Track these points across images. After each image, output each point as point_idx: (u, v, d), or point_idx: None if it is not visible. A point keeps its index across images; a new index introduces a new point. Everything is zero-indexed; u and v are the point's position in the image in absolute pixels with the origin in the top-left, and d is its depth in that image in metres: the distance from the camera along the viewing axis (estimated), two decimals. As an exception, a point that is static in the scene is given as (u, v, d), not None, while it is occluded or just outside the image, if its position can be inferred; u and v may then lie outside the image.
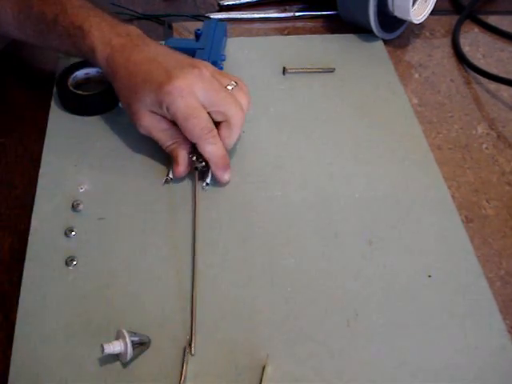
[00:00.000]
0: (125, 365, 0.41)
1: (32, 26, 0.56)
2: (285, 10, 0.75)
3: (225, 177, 0.52)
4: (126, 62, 0.52)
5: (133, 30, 0.55)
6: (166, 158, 0.54)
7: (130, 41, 0.53)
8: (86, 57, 0.55)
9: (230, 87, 0.52)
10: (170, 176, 0.53)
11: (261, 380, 0.40)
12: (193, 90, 0.49)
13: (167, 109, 0.49)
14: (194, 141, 0.51)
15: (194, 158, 0.52)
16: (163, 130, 0.52)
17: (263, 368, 0.41)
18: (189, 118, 0.49)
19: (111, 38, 0.53)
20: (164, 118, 0.51)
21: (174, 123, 0.51)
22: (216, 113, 0.51)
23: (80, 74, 0.62)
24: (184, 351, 0.41)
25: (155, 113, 0.51)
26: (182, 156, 0.52)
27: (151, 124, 0.52)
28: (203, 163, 0.52)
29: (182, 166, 0.52)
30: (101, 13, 0.55)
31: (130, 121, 0.53)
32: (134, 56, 0.52)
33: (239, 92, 0.53)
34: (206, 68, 0.52)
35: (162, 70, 0.50)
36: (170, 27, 0.72)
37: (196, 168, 0.53)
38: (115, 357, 0.41)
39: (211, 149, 0.51)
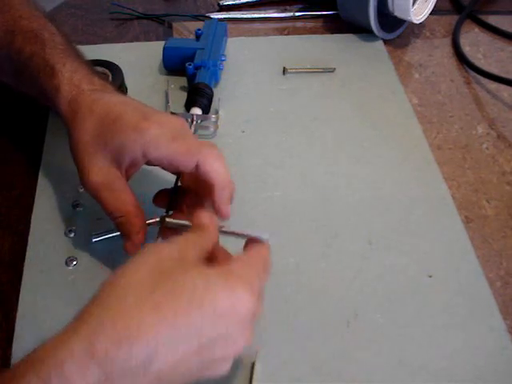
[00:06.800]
0: None
1: (10, 64, 0.49)
2: (285, 10, 0.75)
3: (228, 210, 0.43)
4: (93, 103, 0.43)
5: (109, 85, 0.47)
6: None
7: (102, 89, 0.45)
8: (48, 99, 0.46)
9: None
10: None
11: (251, 378, 0.40)
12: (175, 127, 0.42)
13: (147, 145, 0.40)
14: (196, 157, 0.40)
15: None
16: (115, 191, 0.42)
17: (252, 365, 0.41)
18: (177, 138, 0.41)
19: (82, 83, 0.45)
20: (122, 178, 0.43)
21: (129, 189, 0.43)
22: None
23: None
24: None
25: (116, 168, 0.42)
26: (139, 226, 0.43)
27: (105, 180, 0.42)
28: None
29: (141, 235, 0.43)
30: (81, 60, 0.48)
31: (78, 174, 0.43)
32: (106, 98, 0.43)
33: None
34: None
35: (140, 111, 0.42)
36: (170, 27, 0.72)
37: None
38: None
39: (219, 165, 0.41)
